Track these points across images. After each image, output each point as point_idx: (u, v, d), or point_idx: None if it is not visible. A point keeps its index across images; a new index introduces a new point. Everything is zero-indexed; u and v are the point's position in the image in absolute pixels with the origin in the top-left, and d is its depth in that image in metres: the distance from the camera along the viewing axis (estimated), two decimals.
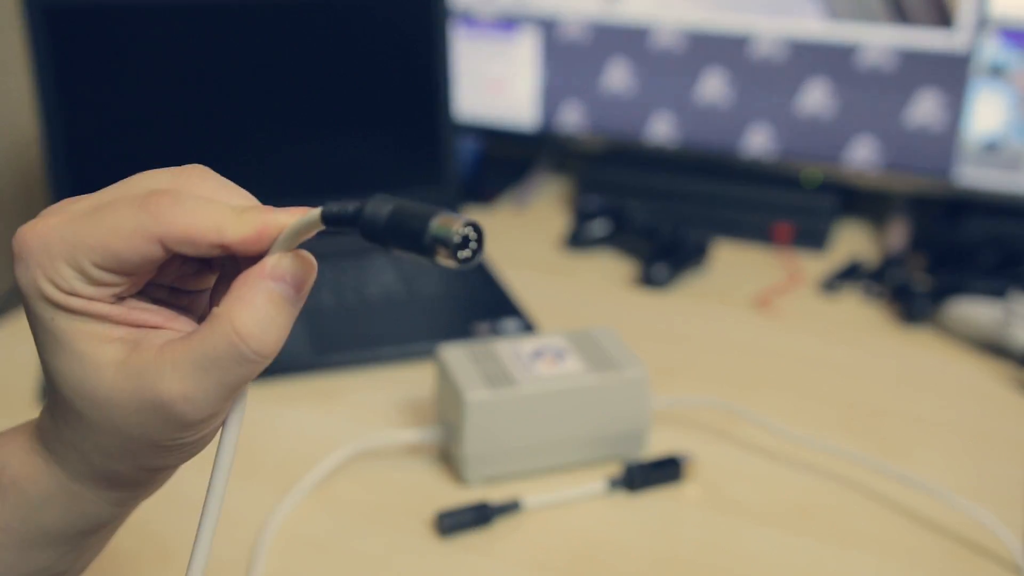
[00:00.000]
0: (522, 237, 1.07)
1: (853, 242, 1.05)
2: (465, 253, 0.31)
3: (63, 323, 0.35)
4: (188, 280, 0.38)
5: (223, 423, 0.37)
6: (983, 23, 0.94)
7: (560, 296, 0.93)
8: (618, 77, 1.11)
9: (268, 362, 0.35)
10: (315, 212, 0.34)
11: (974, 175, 0.99)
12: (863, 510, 0.65)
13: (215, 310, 0.34)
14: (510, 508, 0.64)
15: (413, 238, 0.31)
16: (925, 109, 1.00)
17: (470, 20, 1.15)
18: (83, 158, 0.91)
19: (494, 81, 1.17)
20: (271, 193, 1.09)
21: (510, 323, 0.85)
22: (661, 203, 1.08)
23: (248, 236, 0.34)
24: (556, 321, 0.87)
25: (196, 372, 0.34)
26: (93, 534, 0.40)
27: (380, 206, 0.32)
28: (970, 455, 0.71)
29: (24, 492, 0.38)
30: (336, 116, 0.97)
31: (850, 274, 0.96)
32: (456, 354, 0.68)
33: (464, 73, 1.16)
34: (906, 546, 0.62)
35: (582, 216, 1.05)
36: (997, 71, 0.95)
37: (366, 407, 0.76)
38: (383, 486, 0.66)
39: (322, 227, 0.34)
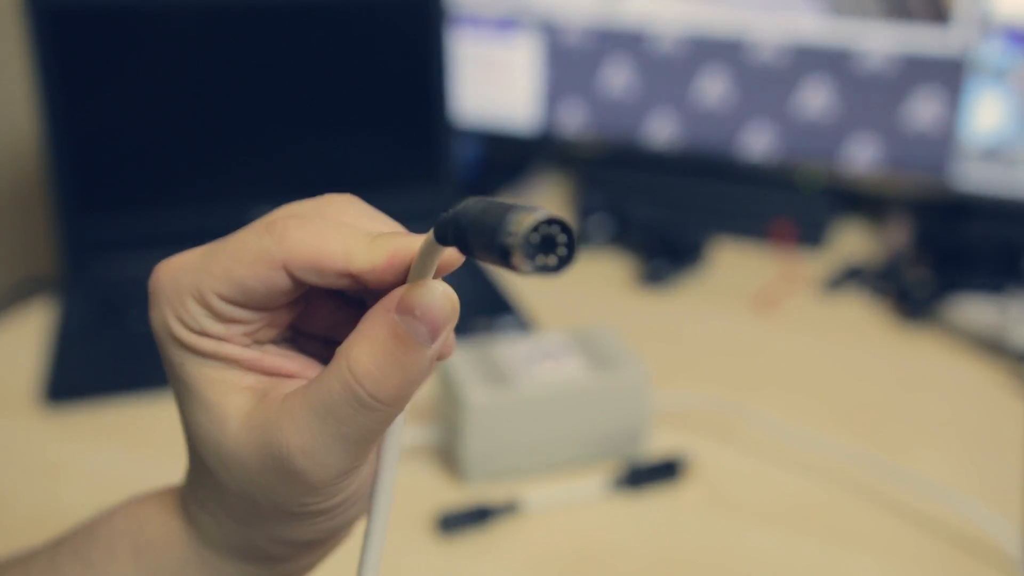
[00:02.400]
0: None
1: (852, 242, 1.05)
2: (546, 260, 0.24)
3: (192, 368, 0.31)
4: (341, 329, 0.32)
5: (372, 495, 0.33)
6: (984, 23, 0.94)
7: (560, 296, 0.93)
8: (618, 78, 1.11)
9: (393, 412, 0.29)
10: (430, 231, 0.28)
11: (974, 176, 0.99)
12: (863, 509, 0.65)
13: (338, 349, 0.30)
14: (510, 508, 0.64)
15: (489, 239, 0.25)
16: (925, 110, 0.99)
17: (470, 21, 1.15)
18: (84, 160, 0.91)
19: (494, 82, 1.17)
20: (271, 193, 1.09)
21: (507, 321, 0.85)
22: (661, 203, 1.08)
23: (378, 264, 0.29)
24: (556, 320, 0.87)
25: (313, 422, 0.29)
26: None
27: (471, 207, 0.26)
28: (970, 454, 0.71)
29: (159, 555, 0.35)
30: (336, 117, 0.97)
31: (851, 274, 0.96)
32: (456, 354, 0.68)
33: (464, 74, 1.16)
34: (906, 545, 0.62)
35: (583, 215, 1.05)
36: (997, 72, 0.95)
37: None
38: None
39: (439, 246, 0.28)
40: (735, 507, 0.65)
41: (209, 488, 0.33)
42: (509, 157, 1.23)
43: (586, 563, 0.60)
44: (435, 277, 0.29)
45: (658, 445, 0.70)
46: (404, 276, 0.29)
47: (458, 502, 0.64)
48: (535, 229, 0.24)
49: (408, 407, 0.31)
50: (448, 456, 0.68)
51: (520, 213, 0.24)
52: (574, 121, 1.15)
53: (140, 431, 0.73)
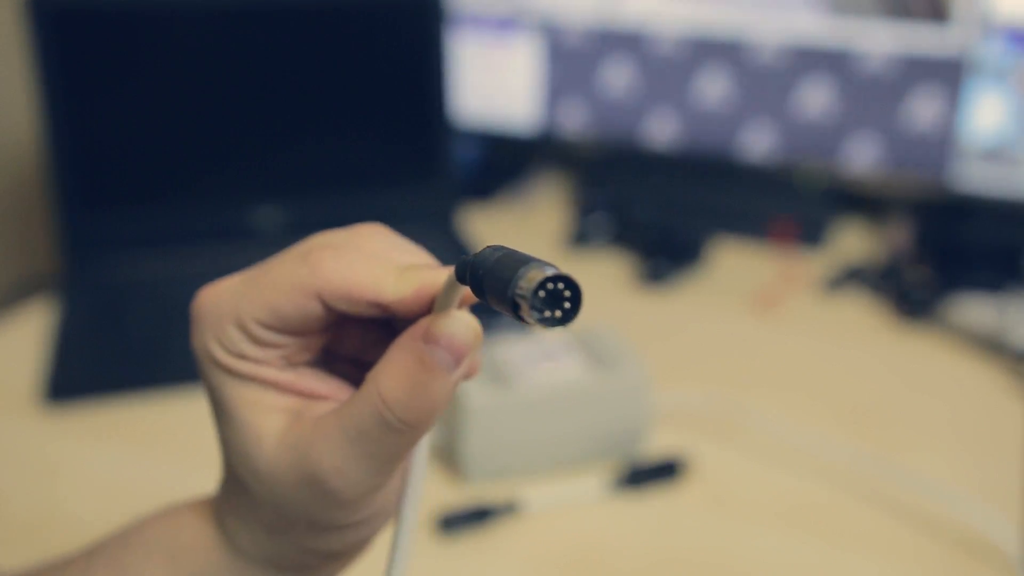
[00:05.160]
0: (522, 236, 1.07)
1: (852, 242, 1.05)
2: (552, 314, 0.26)
3: (230, 390, 0.33)
4: (371, 351, 0.35)
5: (399, 508, 0.35)
6: (984, 23, 0.94)
7: None
8: (618, 78, 1.11)
9: (419, 433, 0.31)
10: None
11: (974, 176, 0.99)
12: (863, 509, 0.65)
13: (367, 375, 0.32)
14: (510, 508, 0.64)
15: (501, 292, 0.27)
16: (925, 110, 0.99)
17: (470, 21, 1.15)
18: (85, 159, 0.91)
19: (494, 82, 1.17)
20: (271, 193, 1.09)
21: (507, 321, 0.85)
22: (661, 203, 1.08)
23: (406, 296, 0.31)
24: None
25: (345, 443, 0.31)
26: None
27: (487, 257, 0.28)
28: (970, 454, 0.71)
29: (193, 561, 0.36)
30: (336, 117, 0.97)
31: (851, 274, 0.96)
32: None
33: (464, 74, 1.16)
34: (906, 545, 0.62)
35: (583, 214, 1.05)
36: (997, 72, 0.95)
37: None
38: None
39: (459, 284, 0.30)
40: (735, 507, 0.65)
41: (243, 500, 0.34)
42: (509, 157, 1.23)
43: (586, 563, 0.60)
44: (460, 307, 0.32)
45: (658, 445, 0.70)
46: (430, 307, 0.32)
47: (458, 502, 0.64)
48: (542, 286, 0.26)
49: (434, 428, 0.33)
50: (448, 456, 0.68)
51: (531, 270, 0.26)
52: (574, 121, 1.15)
53: (140, 431, 0.73)
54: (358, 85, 0.97)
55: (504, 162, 1.22)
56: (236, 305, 0.32)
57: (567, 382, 0.66)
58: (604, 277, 0.98)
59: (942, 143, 1.00)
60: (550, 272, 0.26)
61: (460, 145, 1.11)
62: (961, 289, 0.89)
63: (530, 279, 0.26)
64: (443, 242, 0.98)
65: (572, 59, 1.12)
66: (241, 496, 0.34)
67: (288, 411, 0.33)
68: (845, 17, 1.00)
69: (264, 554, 0.36)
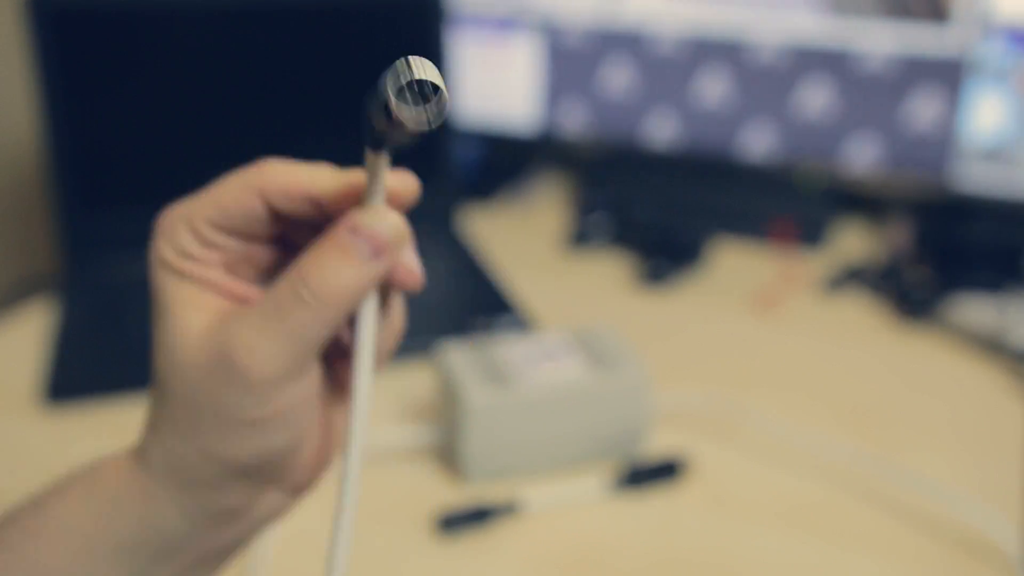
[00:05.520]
0: (522, 236, 1.07)
1: (852, 242, 1.05)
2: (420, 104, 0.28)
3: (171, 288, 0.35)
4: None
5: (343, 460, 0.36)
6: (984, 23, 0.94)
7: (560, 295, 0.93)
8: (618, 78, 1.11)
9: (328, 315, 0.33)
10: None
11: (974, 176, 0.99)
12: (863, 509, 0.65)
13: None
14: (510, 508, 0.64)
15: (377, 108, 0.29)
16: (925, 110, 0.99)
17: (470, 21, 1.15)
18: (85, 159, 0.91)
19: (494, 82, 1.17)
20: None
21: (507, 320, 0.85)
22: (661, 203, 1.08)
23: (340, 189, 0.34)
24: (555, 320, 0.87)
25: (259, 319, 0.33)
26: (163, 563, 0.38)
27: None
28: (970, 454, 0.71)
29: (108, 488, 0.37)
30: (336, 117, 0.97)
31: (851, 274, 0.96)
32: (456, 354, 0.68)
33: (464, 74, 1.16)
34: (906, 545, 0.62)
35: (583, 214, 1.05)
36: (997, 72, 0.95)
37: None
38: (382, 486, 0.66)
39: (376, 156, 0.32)
40: (735, 507, 0.65)
41: (159, 403, 0.36)
42: (509, 157, 1.23)
43: (586, 563, 0.60)
44: (393, 209, 0.34)
45: (658, 445, 0.70)
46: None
47: (458, 502, 0.64)
48: (403, 81, 0.28)
49: (372, 356, 0.35)
50: (448, 456, 0.69)
51: (391, 73, 0.28)
52: (574, 121, 1.15)
53: (140, 430, 0.72)
54: (358, 85, 0.97)
55: (504, 162, 1.22)
56: (189, 208, 0.35)
57: (567, 382, 0.66)
58: (604, 277, 0.98)
59: (942, 143, 1.00)
60: (411, 59, 0.28)
61: (460, 145, 1.11)
62: (961, 289, 0.89)
63: (391, 79, 0.28)
64: (443, 242, 0.98)
65: (572, 59, 1.12)
66: (158, 400, 0.36)
67: (220, 312, 0.35)
68: (845, 17, 1.00)
69: (170, 464, 0.36)
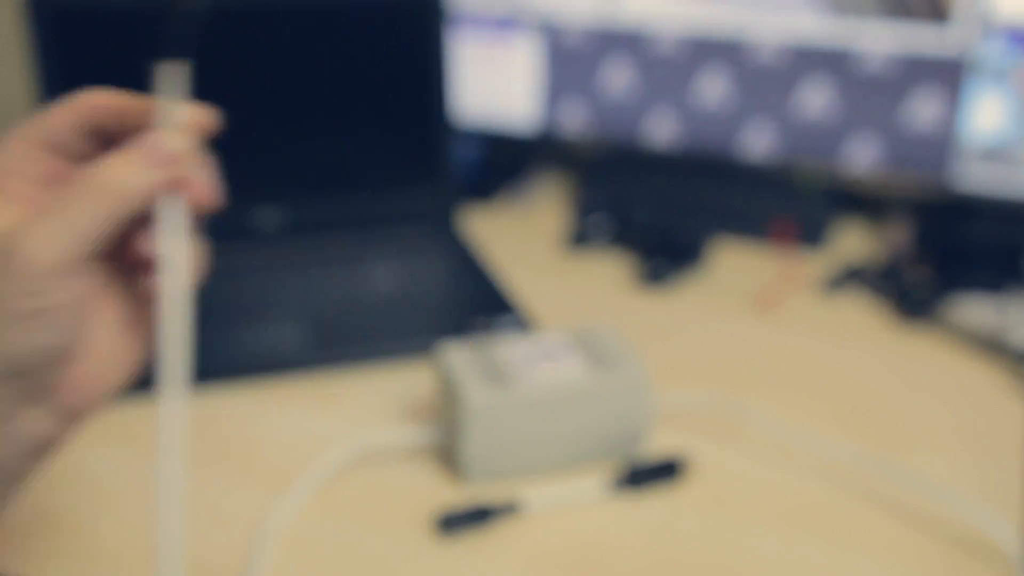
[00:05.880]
0: (522, 237, 1.07)
1: (852, 242, 1.05)
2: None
3: None
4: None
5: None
6: (984, 23, 0.94)
7: (560, 295, 0.93)
8: (618, 78, 1.11)
9: (106, 204, 0.37)
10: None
11: (974, 176, 0.99)
12: (863, 509, 0.65)
13: None
14: (510, 508, 0.64)
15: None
16: (925, 110, 0.99)
17: (470, 21, 1.15)
18: None
19: (494, 82, 1.17)
20: (270, 192, 1.09)
21: (507, 321, 0.85)
22: (661, 203, 1.08)
23: (138, 103, 0.41)
24: (555, 320, 0.87)
25: (43, 213, 0.37)
26: None
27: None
28: (970, 454, 0.71)
29: None
30: (336, 117, 0.97)
31: (851, 274, 0.96)
32: (456, 354, 0.68)
33: (464, 74, 1.16)
34: (906, 545, 0.62)
35: (583, 215, 1.05)
36: (998, 72, 0.95)
37: (363, 406, 0.75)
38: (381, 486, 0.66)
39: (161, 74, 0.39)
40: (735, 507, 0.65)
41: None
42: (509, 157, 1.23)
43: (586, 563, 0.60)
44: (194, 139, 0.42)
45: (658, 445, 0.70)
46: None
47: (458, 502, 0.64)
48: None
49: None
50: (448, 456, 0.69)
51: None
52: (574, 121, 1.15)
53: (140, 431, 0.73)
54: (358, 85, 0.97)
55: (504, 162, 1.22)
56: (19, 129, 0.41)
57: (567, 382, 0.66)
58: (604, 277, 0.98)
59: (942, 143, 1.00)
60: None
61: (460, 145, 1.11)
62: (961, 289, 0.89)
63: None
64: (443, 242, 0.98)
65: (572, 59, 1.12)
66: None
67: (18, 216, 0.39)
68: (845, 17, 1.00)
69: None
